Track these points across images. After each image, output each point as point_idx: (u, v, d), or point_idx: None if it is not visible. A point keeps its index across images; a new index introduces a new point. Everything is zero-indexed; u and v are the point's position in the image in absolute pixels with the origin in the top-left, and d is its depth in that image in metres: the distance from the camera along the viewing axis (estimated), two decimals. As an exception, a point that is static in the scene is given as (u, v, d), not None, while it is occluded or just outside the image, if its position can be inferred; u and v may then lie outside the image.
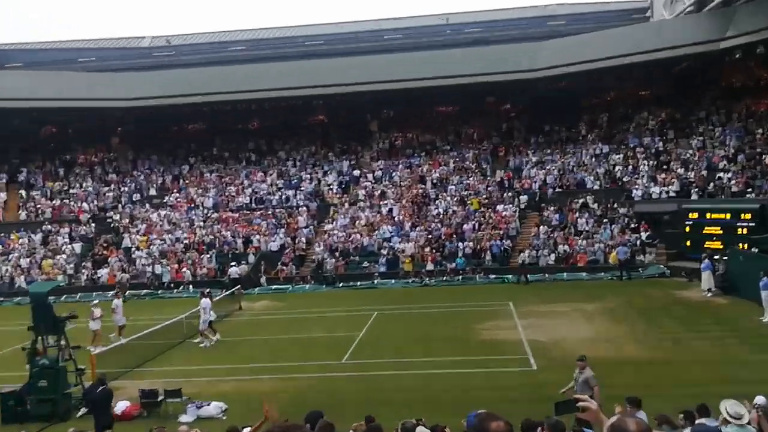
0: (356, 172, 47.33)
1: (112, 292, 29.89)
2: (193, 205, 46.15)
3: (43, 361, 16.14)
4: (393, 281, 35.60)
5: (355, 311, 28.41)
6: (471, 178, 43.85)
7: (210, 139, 55.16)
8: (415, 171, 46.33)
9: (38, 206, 47.12)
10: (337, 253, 38.60)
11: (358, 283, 35.81)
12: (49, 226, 44.54)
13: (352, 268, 38.13)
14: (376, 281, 35.77)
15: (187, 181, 49.59)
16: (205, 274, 38.34)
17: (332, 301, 31.99)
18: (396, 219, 40.81)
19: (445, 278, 35.27)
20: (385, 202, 42.73)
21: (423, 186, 44.16)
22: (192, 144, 54.90)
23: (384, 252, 37.86)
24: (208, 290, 27.21)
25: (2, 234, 44.16)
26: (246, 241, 40.56)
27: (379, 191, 44.16)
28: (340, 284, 36.00)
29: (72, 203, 47.36)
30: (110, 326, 23.85)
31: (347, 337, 22.92)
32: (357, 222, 41.13)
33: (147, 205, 46.65)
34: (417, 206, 41.89)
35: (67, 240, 42.81)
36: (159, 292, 36.13)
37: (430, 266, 36.63)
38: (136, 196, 48.09)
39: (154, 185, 49.57)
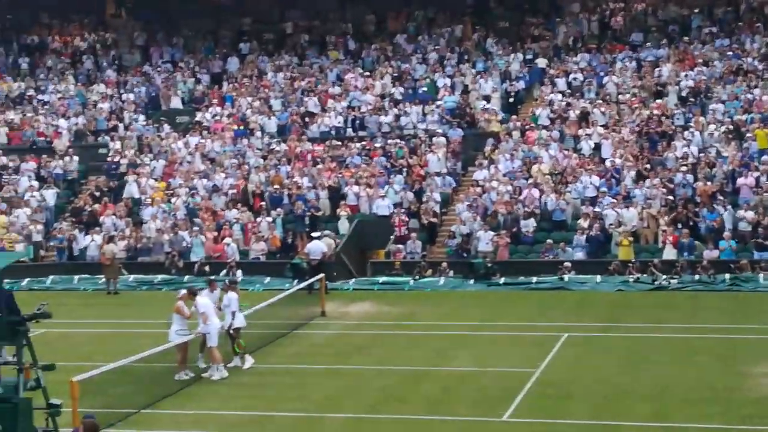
0: (535, 73, 46.79)
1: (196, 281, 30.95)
2: (245, 128, 47.22)
3: (-7, 388, 16.94)
4: (599, 278, 35.34)
5: (529, 330, 28.35)
6: (756, 90, 42.56)
7: (277, 11, 55.95)
8: (648, 73, 45.21)
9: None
10: (496, 223, 38.53)
11: (534, 279, 35.78)
12: (4, 158, 46.96)
13: (524, 252, 37.92)
14: (567, 277, 35.55)
15: (236, 85, 50.72)
16: (261, 251, 39.34)
17: (486, 308, 31.91)
18: (608, 164, 40.31)
19: (697, 277, 34.61)
20: (589, 131, 42.32)
21: (661, 102, 43.27)
22: (246, 19, 55.94)
23: (585, 224, 37.53)
24: (233, 277, 27.37)
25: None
26: (335, 194, 41.21)
27: (577, 111, 43.63)
28: (502, 280, 36.02)
29: (42, 119, 49.65)
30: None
31: (512, 376, 22.91)
32: (534, 167, 40.87)
33: (166, 127, 48.20)
34: (648, 140, 41.17)
35: (33, 183, 44.95)
36: (185, 279, 37.30)
37: (669, 253, 36.06)
38: (141, 117, 49.61)
39: (179, 91, 51.01)
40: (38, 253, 41.04)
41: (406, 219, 39.29)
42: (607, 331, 28.04)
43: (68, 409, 18.16)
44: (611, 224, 37.31)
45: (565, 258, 36.58)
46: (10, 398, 16.75)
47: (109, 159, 46.24)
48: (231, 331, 24.33)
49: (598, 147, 41.41)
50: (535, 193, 39.34)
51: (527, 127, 43.64)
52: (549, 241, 37.40)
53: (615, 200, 38.17)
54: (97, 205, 42.86)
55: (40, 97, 51.85)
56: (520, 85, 46.63)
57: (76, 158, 46.41)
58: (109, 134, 48.35)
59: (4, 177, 45.36)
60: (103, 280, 37.62)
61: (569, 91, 45.41)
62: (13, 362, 17.65)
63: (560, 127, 43.02)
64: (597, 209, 38.01)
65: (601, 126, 42.44)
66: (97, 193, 43.84)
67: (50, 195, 43.99)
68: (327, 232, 37.64)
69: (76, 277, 39.02)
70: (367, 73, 49.24)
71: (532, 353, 25.12)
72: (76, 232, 41.26)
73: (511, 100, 45.96)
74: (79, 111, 50.15)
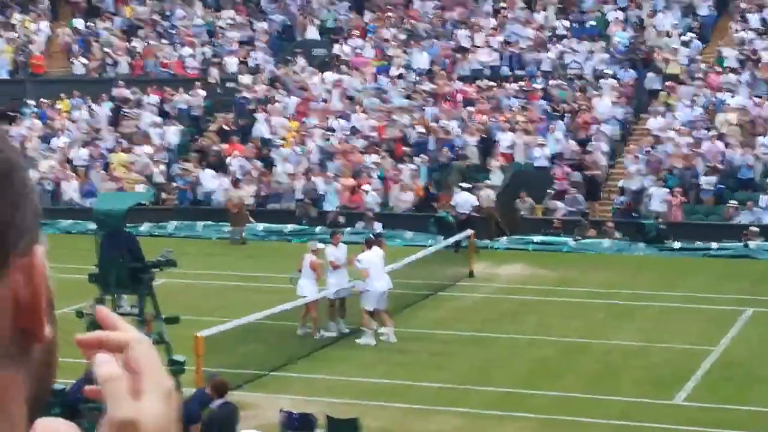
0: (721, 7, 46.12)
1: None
2: (388, 63, 47.45)
3: (112, 342, 17.66)
4: (792, 247, 34.78)
5: (706, 303, 28.10)
6: None
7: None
8: None
9: (105, 52, 51.06)
10: (671, 179, 38.13)
11: (714, 245, 35.34)
12: (125, 91, 48.13)
13: (703, 214, 37.55)
14: (754, 244, 34.99)
15: (379, 15, 50.85)
16: (403, 202, 39.45)
17: (657, 276, 31.72)
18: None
19: None
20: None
21: None
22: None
23: (776, 184, 36.93)
24: (377, 232, 27.49)
25: (40, 99, 48.42)
26: (486, 141, 41.22)
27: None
28: (676, 244, 35.74)
29: (166, 49, 50.75)
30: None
31: (686, 354, 22.91)
32: (719, 116, 40.25)
33: (300, 60, 48.72)
34: None
35: (156, 119, 46.15)
36: (317, 230, 37.81)
37: None
38: (275, 48, 50.27)
39: (316, 21, 51.32)
40: (159, 196, 41.86)
41: (569, 171, 39.05)
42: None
43: (191, 367, 18.71)
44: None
45: (751, 222, 35.95)
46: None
47: (238, 94, 46.95)
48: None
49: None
50: (719, 146, 38.62)
51: (712, 69, 42.81)
52: (733, 201, 36.78)
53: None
54: (223, 145, 43.63)
55: (164, 23, 52.84)
56: (706, 20, 45.65)
57: (201, 92, 47.17)
58: (238, 67, 49.04)
59: (124, 110, 46.45)
60: (229, 227, 38.41)
61: (763, 28, 44.33)
62: (133, 313, 18.34)
63: (751, 70, 42.10)
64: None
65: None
66: (225, 131, 44.56)
67: (173, 132, 44.99)
68: (488, 182, 37.95)
69: (200, 223, 39.80)
70: (527, 4, 48.78)
71: (709, 329, 25.08)
72: (200, 174, 42.09)
73: (695, 37, 45.02)
74: (207, 40, 50.99)
